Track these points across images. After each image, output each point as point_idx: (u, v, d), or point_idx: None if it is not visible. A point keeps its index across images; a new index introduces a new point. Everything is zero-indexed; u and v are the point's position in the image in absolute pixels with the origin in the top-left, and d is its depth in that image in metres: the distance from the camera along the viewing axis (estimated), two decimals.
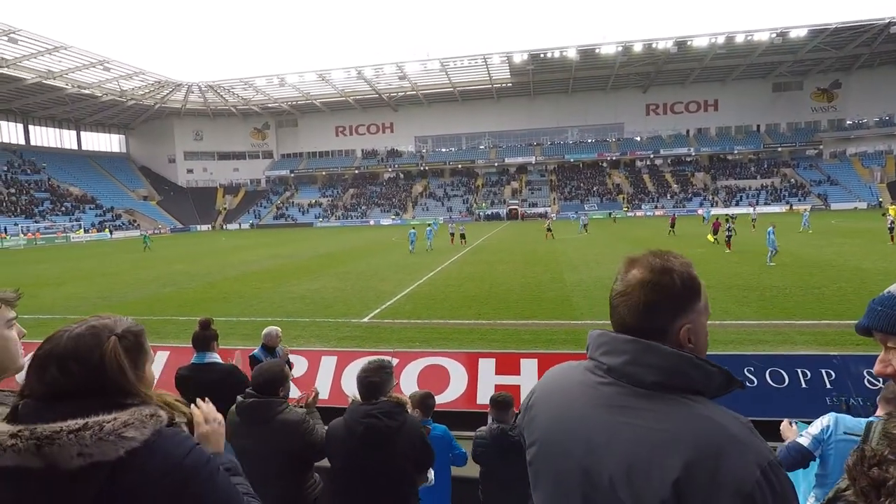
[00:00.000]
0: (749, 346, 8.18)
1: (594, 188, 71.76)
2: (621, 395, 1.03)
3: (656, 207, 63.55)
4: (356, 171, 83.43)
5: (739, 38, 58.34)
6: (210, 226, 73.75)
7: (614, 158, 75.75)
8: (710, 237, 25.38)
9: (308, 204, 77.16)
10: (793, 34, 57.28)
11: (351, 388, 3.37)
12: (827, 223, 30.98)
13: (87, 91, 62.51)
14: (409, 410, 2.77)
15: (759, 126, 73.30)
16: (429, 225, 32.27)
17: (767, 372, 5.37)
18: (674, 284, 1.04)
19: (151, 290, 17.14)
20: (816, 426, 2.45)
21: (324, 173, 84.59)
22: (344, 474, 2.69)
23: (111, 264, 26.76)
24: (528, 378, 6.27)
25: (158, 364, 6.96)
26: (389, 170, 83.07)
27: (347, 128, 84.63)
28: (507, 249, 26.76)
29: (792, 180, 65.71)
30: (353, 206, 75.81)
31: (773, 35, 57.50)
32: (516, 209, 67.36)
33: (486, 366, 6.43)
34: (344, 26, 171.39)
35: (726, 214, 32.52)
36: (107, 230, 58.65)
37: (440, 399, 5.36)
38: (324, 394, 6.58)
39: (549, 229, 33.11)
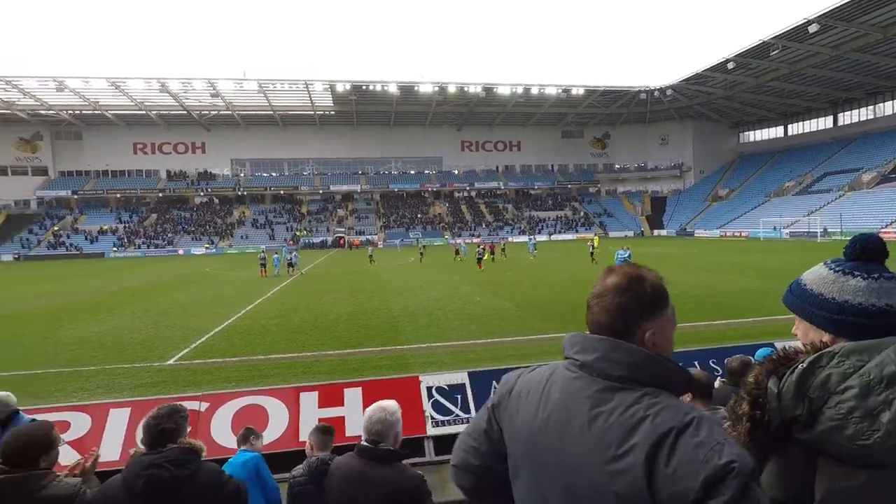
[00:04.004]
0: (554, 356, 9.28)
1: (418, 216, 75.03)
2: (593, 387, 1.11)
3: (473, 235, 68.97)
4: (160, 194, 74.10)
5: (534, 91, 67.81)
6: None
7: (435, 189, 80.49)
8: (488, 256, 32.05)
9: (98, 231, 65.68)
10: (574, 91, 68.62)
11: None
12: (606, 248, 37.29)
13: None
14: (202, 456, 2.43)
15: (553, 166, 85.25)
16: (275, 254, 32.21)
17: None
18: (644, 291, 1.15)
19: None
20: None
21: (118, 195, 73.18)
22: None
23: None
24: (352, 408, 6.19)
25: None
26: (201, 193, 75.65)
27: (149, 145, 74.92)
28: (334, 279, 26.31)
29: (581, 213, 77.56)
30: (157, 233, 66.88)
31: (559, 91, 68.24)
32: (343, 237, 66.85)
33: (308, 399, 6.19)
34: (144, 33, 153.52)
35: (481, 242, 41.01)
36: None
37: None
38: (113, 454, 5.60)
39: (456, 252, 37.17)
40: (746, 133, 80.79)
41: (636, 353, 1.11)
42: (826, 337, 1.19)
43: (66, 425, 5.63)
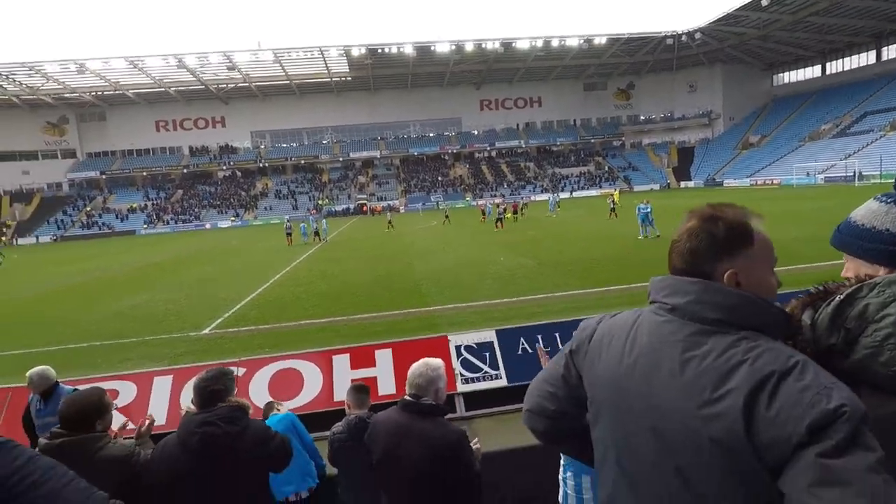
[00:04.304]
0: (579, 311, 9.27)
1: (438, 179, 74.56)
2: (685, 331, 1.08)
3: (494, 196, 68.35)
4: (184, 171, 75.30)
5: (555, 43, 65.37)
6: None
7: (455, 151, 79.53)
8: (510, 215, 32.32)
9: (127, 209, 67.57)
10: (596, 41, 65.82)
11: None
12: (629, 202, 36.40)
13: None
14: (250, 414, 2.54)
15: (575, 121, 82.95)
16: (302, 223, 33.12)
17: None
18: (717, 231, 1.11)
19: None
20: None
21: (144, 174, 74.73)
22: (177, 497, 2.39)
23: None
24: (384, 369, 6.35)
25: None
26: (224, 168, 76.54)
27: (170, 122, 75.75)
28: (358, 245, 26.58)
29: (604, 167, 75.77)
30: (184, 208, 68.34)
31: (581, 41, 65.54)
32: (365, 203, 67.14)
33: (341, 362, 6.33)
34: (159, 11, 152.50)
35: (501, 201, 41.43)
36: None
37: (296, 403, 5.18)
38: (160, 419, 5.90)
39: (483, 213, 36.47)
40: (780, 74, 76.59)
41: (731, 294, 1.07)
42: (882, 271, 1.15)
43: (114, 393, 5.91)
